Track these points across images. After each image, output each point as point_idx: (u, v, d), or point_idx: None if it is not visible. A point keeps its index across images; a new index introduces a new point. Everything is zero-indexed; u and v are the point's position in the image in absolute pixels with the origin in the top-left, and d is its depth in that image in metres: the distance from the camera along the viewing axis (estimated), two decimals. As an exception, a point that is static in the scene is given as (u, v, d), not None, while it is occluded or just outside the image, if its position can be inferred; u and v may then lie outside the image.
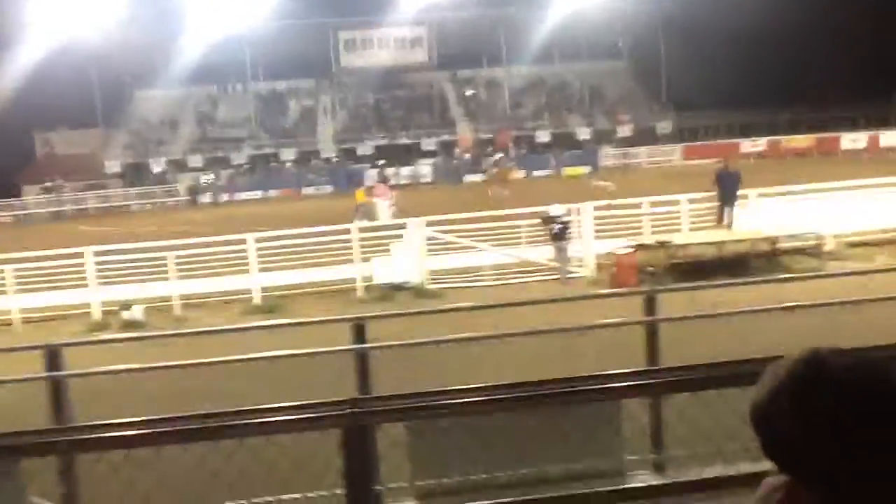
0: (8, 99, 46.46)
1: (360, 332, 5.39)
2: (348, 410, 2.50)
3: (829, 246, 16.01)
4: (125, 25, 49.62)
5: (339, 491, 3.40)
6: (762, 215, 17.06)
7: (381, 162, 46.59)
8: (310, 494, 3.84)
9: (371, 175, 45.80)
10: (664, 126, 56.62)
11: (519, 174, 40.07)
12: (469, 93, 60.81)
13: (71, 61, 49.63)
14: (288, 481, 3.76)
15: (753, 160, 45.84)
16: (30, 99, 47.33)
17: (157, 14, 50.06)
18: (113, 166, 54.06)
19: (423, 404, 2.79)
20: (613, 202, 18.82)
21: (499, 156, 44.14)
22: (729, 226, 17.24)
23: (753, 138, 52.84)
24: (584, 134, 56.53)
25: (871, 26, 52.11)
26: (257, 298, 15.41)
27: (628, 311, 6.96)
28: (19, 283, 15.32)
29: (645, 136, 55.34)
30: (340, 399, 2.58)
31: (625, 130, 56.31)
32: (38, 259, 16.35)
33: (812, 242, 15.51)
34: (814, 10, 50.55)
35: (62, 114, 56.21)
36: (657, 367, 5.16)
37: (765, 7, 50.15)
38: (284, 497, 3.83)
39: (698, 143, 53.94)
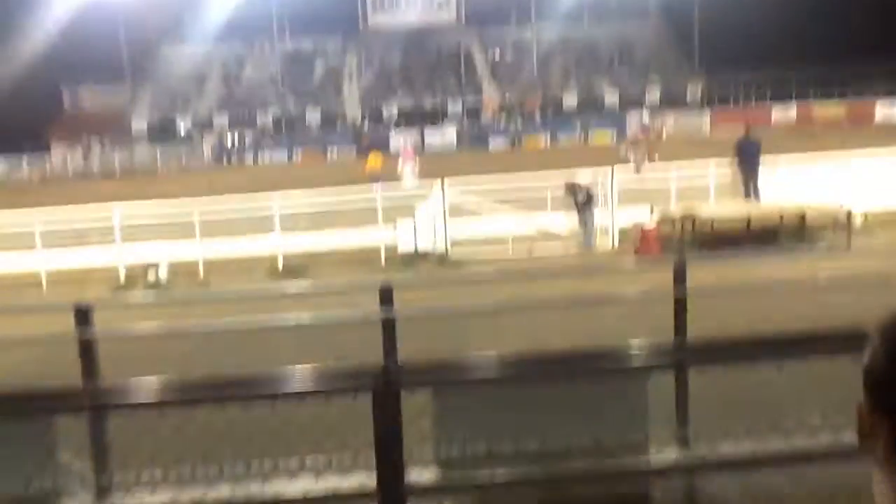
0: (37, 54, 46.63)
1: (387, 299, 5.39)
2: (380, 375, 2.51)
3: (858, 220, 15.75)
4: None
5: (364, 458, 3.42)
6: (790, 186, 16.80)
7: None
8: (340, 457, 3.87)
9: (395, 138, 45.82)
10: (694, 90, 55.76)
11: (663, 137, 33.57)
12: (496, 54, 60.15)
13: (99, 16, 49.63)
14: (319, 443, 3.79)
15: (783, 129, 45.12)
16: (58, 54, 47.46)
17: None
18: (139, 123, 54.29)
19: (453, 373, 2.79)
20: (640, 170, 18.62)
21: (644, 121, 39.40)
22: (756, 197, 16.95)
23: (783, 104, 51.84)
24: (611, 98, 55.84)
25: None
26: (280, 262, 15.48)
27: (652, 282, 6.90)
28: (45, 241, 15.47)
29: (674, 101, 54.51)
30: (372, 365, 2.59)
31: (653, 94, 55.52)
32: (64, 217, 16.50)
33: (841, 218, 15.25)
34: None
35: (90, 69, 56.37)
36: (683, 341, 5.12)
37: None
38: (318, 457, 3.86)
39: (727, 110, 52.99)
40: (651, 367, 4.45)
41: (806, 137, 35.05)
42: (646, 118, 37.90)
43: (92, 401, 3.51)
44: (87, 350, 6.08)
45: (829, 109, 50.54)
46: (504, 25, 61.51)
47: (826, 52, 51.72)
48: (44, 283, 15.13)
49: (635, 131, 33.73)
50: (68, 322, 6.05)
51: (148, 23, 57.57)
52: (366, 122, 54.38)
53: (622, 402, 4.27)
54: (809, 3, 52.12)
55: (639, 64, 58.54)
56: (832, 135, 37.65)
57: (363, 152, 45.79)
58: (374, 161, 25.13)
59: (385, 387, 2.87)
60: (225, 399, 2.93)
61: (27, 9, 46.17)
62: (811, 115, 50.01)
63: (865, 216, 16.09)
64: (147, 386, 3.24)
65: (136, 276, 14.87)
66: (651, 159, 27.39)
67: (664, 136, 31.44)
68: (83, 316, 6.19)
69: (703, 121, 51.92)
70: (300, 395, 3.09)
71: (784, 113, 50.72)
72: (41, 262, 15.32)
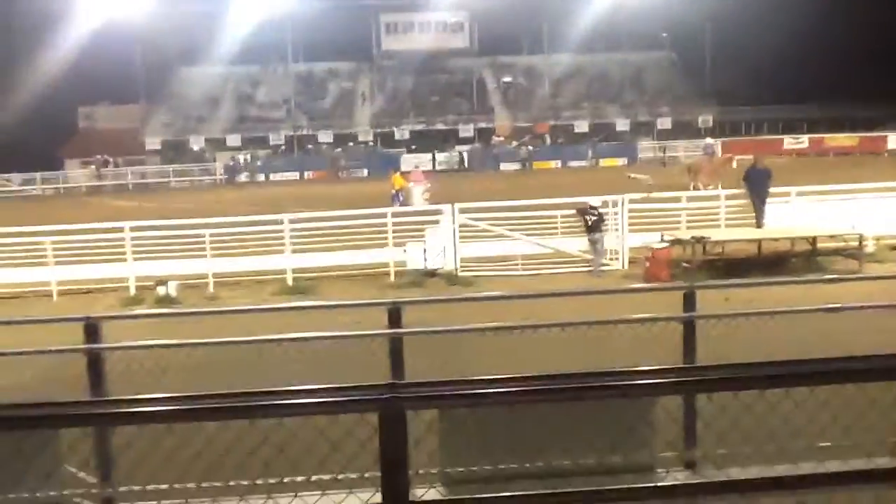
0: (53, 73, 47.17)
1: (395, 318, 5.39)
2: (387, 395, 2.49)
3: (869, 247, 15.69)
4: (171, 2, 50.04)
5: (369, 475, 3.40)
6: (801, 214, 16.76)
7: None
8: (345, 475, 3.86)
9: (407, 160, 46.09)
10: (705, 119, 55.88)
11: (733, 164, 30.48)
12: (508, 80, 60.49)
13: (116, 37, 50.24)
14: (324, 462, 3.78)
15: (795, 157, 45.10)
16: (74, 73, 48.02)
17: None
18: (153, 143, 54.72)
19: (462, 392, 2.77)
20: (650, 195, 18.62)
21: (708, 141, 37.31)
22: (759, 226, 16.80)
23: (796, 135, 51.96)
24: (622, 125, 56.00)
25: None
26: (290, 279, 15.52)
27: (661, 307, 6.87)
28: (58, 256, 15.57)
29: (685, 129, 54.62)
30: (379, 383, 2.57)
31: (664, 122, 55.66)
32: (76, 232, 16.61)
33: (852, 243, 15.20)
34: (862, 6, 49.43)
35: (105, 89, 56.99)
36: (693, 365, 5.09)
37: (813, 2, 49.16)
38: (323, 477, 3.86)
39: (739, 138, 53.10)
40: (658, 389, 4.41)
41: (818, 166, 35.01)
42: (710, 141, 36.76)
43: (97, 414, 3.48)
44: (94, 364, 6.09)
45: (842, 139, 50.51)
46: (517, 52, 61.94)
47: (837, 91, 51.90)
48: (55, 295, 15.22)
49: (700, 155, 32.42)
50: (77, 335, 6.07)
51: (164, 44, 58.24)
52: (378, 144, 54.71)
53: (629, 423, 4.25)
54: (820, 46, 52.30)
55: (650, 93, 58.72)
56: (845, 164, 37.60)
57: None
58: (398, 181, 25.82)
59: (391, 406, 2.85)
60: (228, 414, 2.91)
61: (45, 30, 46.80)
62: (823, 144, 49.98)
63: (877, 241, 16.04)
64: (152, 400, 3.23)
65: (147, 291, 14.94)
66: (715, 185, 25.05)
67: (734, 163, 28.39)
68: (92, 330, 6.22)
69: (715, 149, 51.90)
70: (305, 412, 3.07)
71: (796, 142, 50.67)
72: (52, 275, 15.41)
